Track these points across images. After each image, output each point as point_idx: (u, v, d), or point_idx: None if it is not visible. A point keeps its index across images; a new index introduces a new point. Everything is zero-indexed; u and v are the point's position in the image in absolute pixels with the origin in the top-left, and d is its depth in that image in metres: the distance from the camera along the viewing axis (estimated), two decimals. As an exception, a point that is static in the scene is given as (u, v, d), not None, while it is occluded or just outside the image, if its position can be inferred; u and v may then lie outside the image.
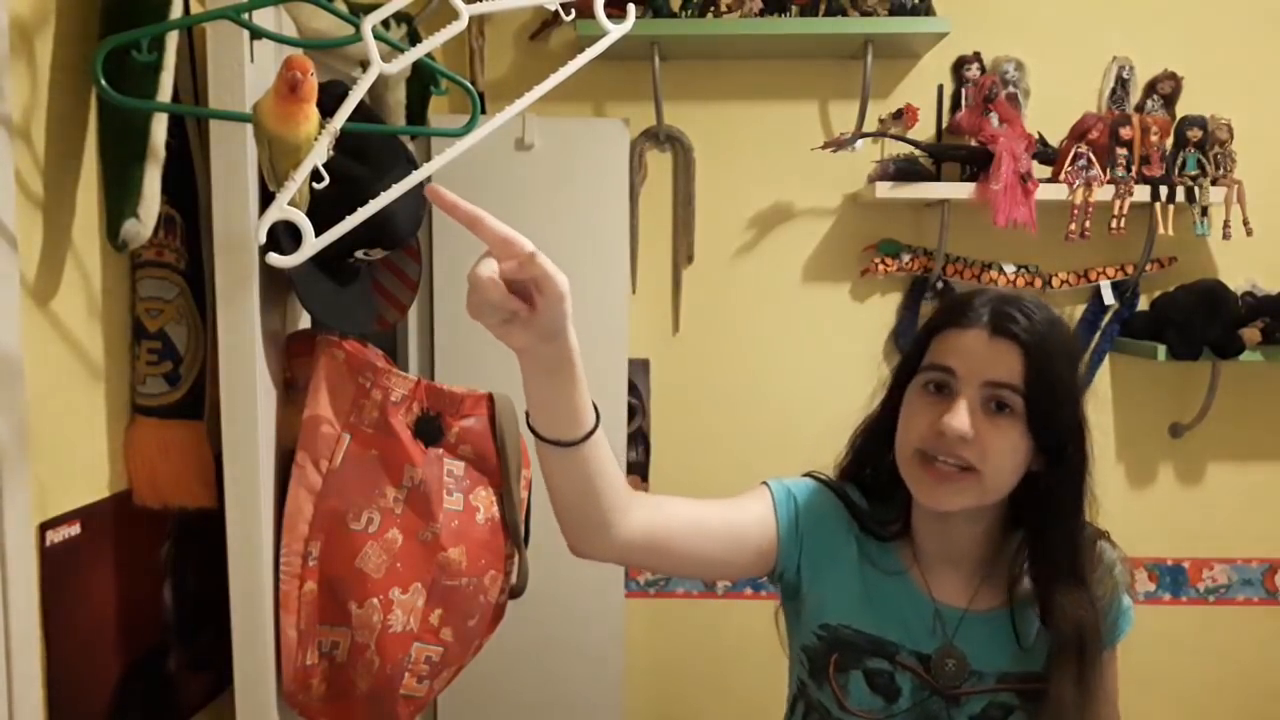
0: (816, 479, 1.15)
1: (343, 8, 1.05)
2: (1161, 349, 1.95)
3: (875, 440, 1.10)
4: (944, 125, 2.09)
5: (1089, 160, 1.93)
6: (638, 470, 2.16)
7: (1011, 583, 1.05)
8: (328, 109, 0.91)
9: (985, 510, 1.02)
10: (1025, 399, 0.94)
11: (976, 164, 1.97)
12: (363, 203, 0.93)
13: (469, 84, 1.03)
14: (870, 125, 2.06)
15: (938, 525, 1.05)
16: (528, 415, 0.92)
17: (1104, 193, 1.93)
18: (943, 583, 1.06)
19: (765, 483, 1.13)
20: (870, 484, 1.13)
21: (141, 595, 1.12)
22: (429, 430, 1.19)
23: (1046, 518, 1.00)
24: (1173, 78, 2.06)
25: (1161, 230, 1.96)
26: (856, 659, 1.05)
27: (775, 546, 1.08)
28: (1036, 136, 1.99)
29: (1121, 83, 2.08)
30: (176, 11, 0.95)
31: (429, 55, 0.96)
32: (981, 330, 0.97)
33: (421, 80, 1.35)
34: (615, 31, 1.02)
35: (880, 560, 1.08)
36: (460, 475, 1.21)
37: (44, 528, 0.94)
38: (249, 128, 0.97)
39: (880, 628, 1.05)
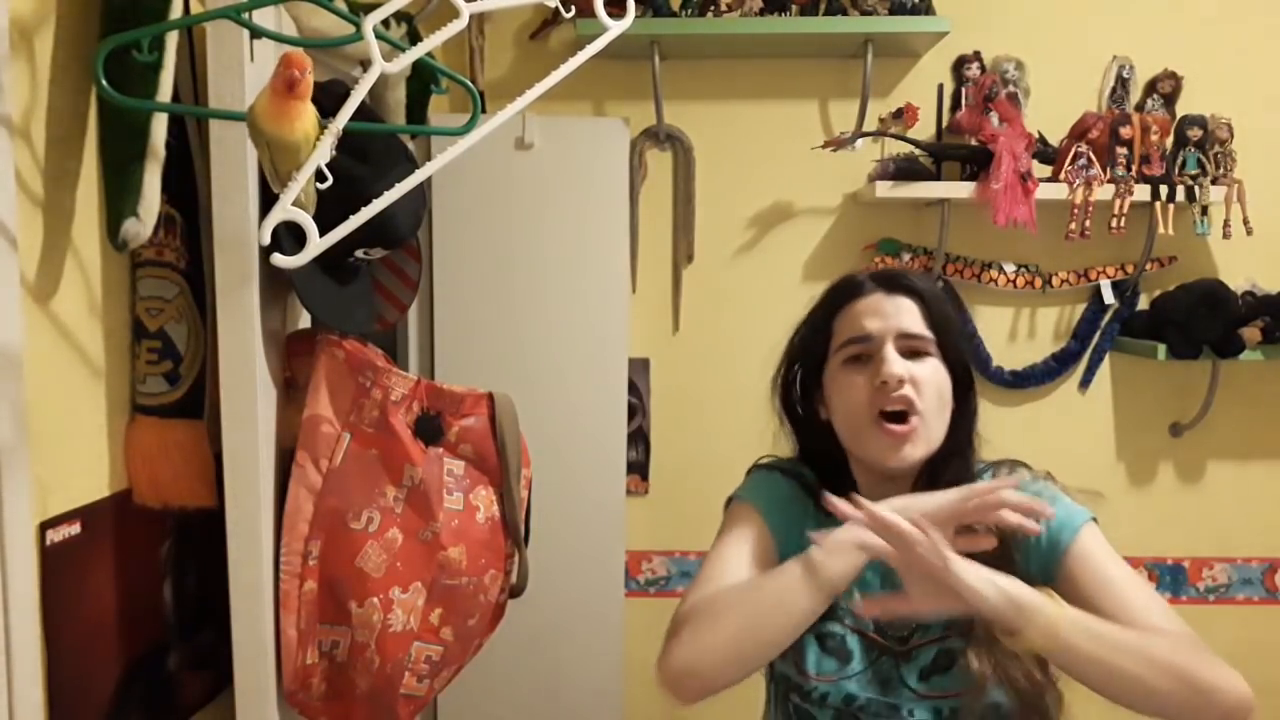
0: (771, 468, 1.19)
1: (343, 7, 1.05)
2: (1161, 348, 1.95)
3: (814, 428, 1.15)
4: (944, 124, 2.09)
5: (1089, 159, 1.93)
6: (637, 470, 2.16)
7: None
8: (327, 109, 0.91)
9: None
10: (935, 340, 1.06)
11: (976, 163, 1.96)
12: (363, 202, 0.93)
13: (469, 83, 1.03)
14: (870, 124, 2.06)
15: (880, 486, 1.09)
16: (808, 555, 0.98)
17: (1104, 192, 1.93)
18: None
19: (741, 500, 1.15)
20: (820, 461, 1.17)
21: (141, 595, 1.12)
22: (429, 429, 1.19)
23: (947, 447, 1.08)
24: (1173, 77, 2.06)
25: (1161, 229, 1.96)
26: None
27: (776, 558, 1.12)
28: (1036, 136, 1.99)
29: (1121, 82, 2.08)
30: (176, 11, 0.95)
31: (429, 54, 0.96)
32: (878, 293, 1.08)
33: (422, 79, 1.35)
34: (615, 28, 1.02)
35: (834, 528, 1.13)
36: (460, 474, 1.21)
37: (44, 527, 0.94)
38: (249, 127, 0.97)
39: None
